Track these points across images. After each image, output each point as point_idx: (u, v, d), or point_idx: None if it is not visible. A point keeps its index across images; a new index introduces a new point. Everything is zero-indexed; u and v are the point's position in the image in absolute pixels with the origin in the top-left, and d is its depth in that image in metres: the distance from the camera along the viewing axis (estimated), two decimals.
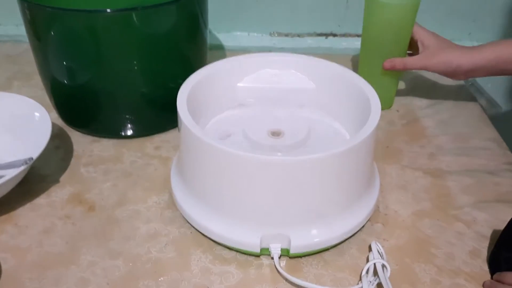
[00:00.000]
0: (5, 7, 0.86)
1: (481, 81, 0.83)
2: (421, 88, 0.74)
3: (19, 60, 0.80)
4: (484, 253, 0.47)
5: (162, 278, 0.44)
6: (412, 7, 0.60)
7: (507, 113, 0.88)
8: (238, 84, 0.55)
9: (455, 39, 0.84)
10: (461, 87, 0.75)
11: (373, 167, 0.52)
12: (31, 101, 0.56)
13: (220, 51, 0.85)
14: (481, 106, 0.80)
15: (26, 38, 0.84)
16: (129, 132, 0.61)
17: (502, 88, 0.87)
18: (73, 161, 0.58)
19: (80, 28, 0.53)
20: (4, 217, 0.50)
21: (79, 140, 0.61)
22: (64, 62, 0.56)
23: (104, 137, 0.61)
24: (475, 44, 0.83)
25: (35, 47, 0.58)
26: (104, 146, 0.60)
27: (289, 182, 0.42)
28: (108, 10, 0.51)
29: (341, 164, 0.43)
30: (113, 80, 0.57)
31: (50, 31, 0.54)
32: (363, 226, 0.49)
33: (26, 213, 0.50)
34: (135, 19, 0.53)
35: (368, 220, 0.50)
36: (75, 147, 0.60)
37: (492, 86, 0.86)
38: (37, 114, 0.54)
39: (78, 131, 0.62)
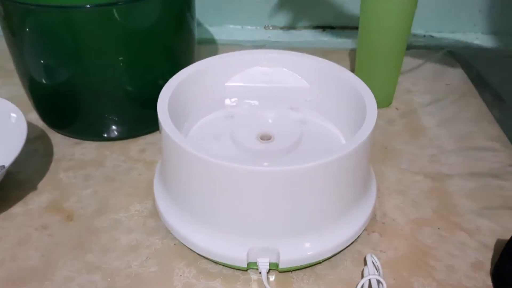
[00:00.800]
0: None
1: (486, 74, 0.80)
2: (423, 83, 0.71)
3: None
4: (488, 266, 0.44)
5: None
6: (407, 5, 0.57)
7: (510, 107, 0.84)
8: (226, 84, 0.52)
9: (460, 30, 0.81)
10: (465, 83, 0.72)
11: (369, 172, 0.49)
12: (6, 101, 0.52)
13: (212, 45, 0.82)
14: (486, 101, 0.76)
15: None
16: (113, 134, 0.58)
17: (509, 81, 0.83)
18: (52, 165, 0.55)
19: (57, 25, 0.50)
20: None
21: (59, 142, 0.58)
22: (42, 61, 0.53)
23: (87, 139, 0.58)
24: (480, 35, 0.80)
25: (11, 44, 0.55)
26: (86, 149, 0.57)
27: (277, 193, 0.39)
28: (88, 6, 0.48)
29: (333, 172, 0.40)
30: (95, 78, 0.54)
31: (25, 28, 0.51)
32: (358, 236, 0.46)
33: (0, 223, 0.48)
34: (116, 14, 0.49)
35: (364, 230, 0.46)
36: (55, 150, 0.57)
37: (498, 79, 0.82)
38: (13, 115, 0.51)
39: (59, 133, 0.59)
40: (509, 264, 0.42)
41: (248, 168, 0.38)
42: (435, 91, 0.69)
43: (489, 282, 0.42)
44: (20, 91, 0.67)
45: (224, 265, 0.43)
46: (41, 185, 0.52)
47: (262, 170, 0.38)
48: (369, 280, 0.41)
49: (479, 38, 0.80)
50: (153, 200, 0.49)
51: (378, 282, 0.40)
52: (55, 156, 0.56)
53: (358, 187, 0.45)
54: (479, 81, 0.78)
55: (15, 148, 0.48)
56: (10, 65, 0.73)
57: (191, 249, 0.44)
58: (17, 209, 0.49)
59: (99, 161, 0.55)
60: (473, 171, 0.55)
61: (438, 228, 0.47)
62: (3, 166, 0.45)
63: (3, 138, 0.50)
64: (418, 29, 0.81)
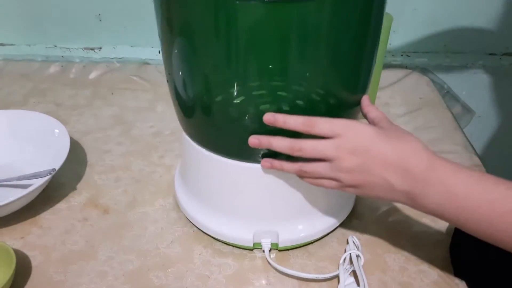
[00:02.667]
0: (19, 28, 0.93)
1: (456, 89, 0.91)
2: (399, 97, 0.82)
3: (33, 78, 0.88)
4: (445, 244, 0.54)
5: (169, 270, 0.51)
6: (383, 29, 0.68)
7: (480, 117, 0.95)
8: None
9: (432, 51, 0.93)
10: (435, 97, 0.83)
11: None
12: (51, 118, 0.63)
13: None
14: (455, 112, 0.88)
15: (38, 57, 0.93)
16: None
17: (476, 95, 0.94)
18: (87, 170, 0.65)
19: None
20: (29, 220, 0.57)
21: (91, 151, 0.69)
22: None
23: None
24: (449, 55, 0.92)
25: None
26: (114, 156, 0.68)
27: (276, 185, 0.50)
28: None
29: None
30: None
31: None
32: (342, 222, 0.56)
33: (48, 217, 0.58)
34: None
35: (347, 217, 0.57)
36: (88, 157, 0.68)
37: (467, 93, 0.94)
38: (56, 130, 0.62)
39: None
40: (462, 240, 0.52)
41: (254, 165, 0.48)
42: (409, 104, 0.80)
43: (446, 255, 0.53)
44: (53, 107, 0.78)
45: (234, 245, 0.54)
46: (80, 186, 0.63)
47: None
48: (350, 254, 0.51)
49: (449, 57, 0.92)
50: (174, 196, 0.60)
51: (357, 256, 0.51)
52: (88, 162, 0.67)
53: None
54: (450, 95, 0.90)
55: (61, 156, 0.58)
56: (43, 85, 0.85)
57: (207, 234, 0.54)
58: (61, 205, 0.60)
59: (126, 166, 0.66)
60: None
61: (407, 215, 0.58)
62: (54, 169, 0.56)
63: (49, 149, 0.61)
64: (396, 50, 0.92)
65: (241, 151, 0.48)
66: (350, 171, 0.43)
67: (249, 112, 0.48)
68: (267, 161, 0.48)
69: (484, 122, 0.96)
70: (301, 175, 0.47)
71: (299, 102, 0.49)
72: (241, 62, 0.44)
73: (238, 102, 0.47)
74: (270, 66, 0.45)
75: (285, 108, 0.49)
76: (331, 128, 0.44)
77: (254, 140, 0.46)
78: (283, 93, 0.49)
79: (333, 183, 0.45)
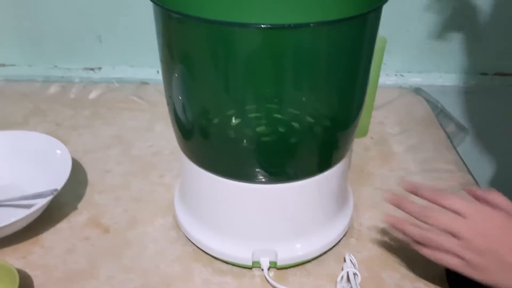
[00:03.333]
0: (19, 49, 0.95)
1: (449, 108, 0.93)
2: (394, 116, 0.84)
3: (33, 98, 0.89)
4: None
5: None
6: (377, 50, 0.70)
7: (473, 136, 0.97)
8: None
9: (425, 71, 0.95)
10: (429, 116, 0.85)
11: (347, 189, 0.61)
12: (53, 139, 0.64)
13: None
14: (449, 131, 0.89)
15: (39, 78, 0.94)
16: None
17: (469, 113, 0.96)
18: (88, 189, 0.66)
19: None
20: (31, 240, 0.58)
21: (92, 171, 0.70)
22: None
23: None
24: (443, 74, 0.94)
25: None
26: (114, 176, 0.69)
27: (274, 205, 0.51)
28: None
29: (318, 188, 0.52)
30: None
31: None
32: (339, 241, 0.57)
33: (50, 236, 0.59)
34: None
35: (344, 235, 0.58)
36: (88, 177, 0.69)
37: (460, 112, 0.96)
38: (58, 151, 0.63)
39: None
40: None
41: (251, 185, 0.50)
42: (403, 123, 0.82)
43: (441, 272, 0.54)
44: (53, 127, 0.80)
45: (233, 264, 0.54)
46: (81, 205, 0.63)
47: (263, 186, 0.50)
48: (347, 272, 0.52)
49: (442, 77, 0.94)
50: (173, 215, 0.61)
51: (354, 274, 0.52)
52: (89, 182, 0.68)
53: (338, 201, 0.57)
54: (443, 114, 0.92)
55: (62, 176, 0.59)
56: (43, 105, 0.86)
57: (206, 253, 0.55)
58: (63, 225, 0.60)
59: (126, 185, 0.67)
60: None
61: (403, 235, 0.59)
62: (56, 189, 0.57)
63: (51, 169, 0.62)
64: (390, 70, 0.94)
65: (239, 172, 0.50)
66: (481, 253, 0.44)
67: (246, 134, 0.50)
68: (390, 216, 0.51)
69: (478, 140, 0.98)
70: (420, 242, 0.48)
71: (295, 124, 0.51)
72: (238, 87, 0.45)
73: (235, 125, 0.49)
74: (266, 90, 0.47)
75: (281, 130, 0.51)
76: (463, 206, 0.46)
77: (391, 197, 0.51)
78: (279, 116, 0.50)
79: (455, 260, 0.46)
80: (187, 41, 0.44)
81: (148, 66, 0.94)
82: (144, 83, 0.94)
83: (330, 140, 0.52)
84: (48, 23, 0.92)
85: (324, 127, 0.51)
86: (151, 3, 0.44)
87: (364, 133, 0.79)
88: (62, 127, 0.80)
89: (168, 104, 0.52)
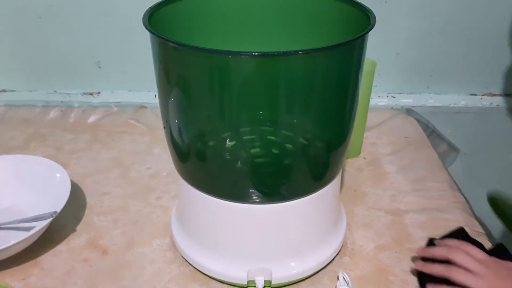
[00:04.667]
0: (20, 75, 0.97)
1: (440, 128, 0.95)
2: (386, 137, 0.86)
3: (34, 123, 0.91)
4: None
5: None
6: (367, 74, 0.72)
7: (465, 155, 0.99)
8: None
9: (416, 92, 0.97)
10: (420, 136, 0.87)
11: (340, 209, 0.62)
12: (53, 163, 0.66)
13: None
14: (441, 151, 0.91)
15: (39, 103, 0.96)
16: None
17: (460, 133, 0.98)
18: (87, 212, 0.68)
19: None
20: (31, 262, 0.59)
21: (91, 193, 0.71)
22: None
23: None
24: (433, 95, 0.97)
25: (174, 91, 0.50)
26: (112, 198, 0.70)
27: (268, 225, 0.53)
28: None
29: (310, 208, 0.54)
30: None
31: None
32: (333, 259, 0.59)
33: (49, 258, 0.60)
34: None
35: (337, 254, 0.59)
36: (88, 199, 0.70)
37: (451, 132, 0.98)
38: (58, 174, 0.64)
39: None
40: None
41: (245, 206, 0.51)
42: (395, 143, 0.84)
43: None
44: (53, 151, 0.81)
45: (229, 283, 0.56)
46: (80, 227, 0.65)
47: (257, 206, 0.51)
48: None
49: (432, 98, 0.96)
50: (171, 236, 0.62)
51: None
52: (88, 204, 0.69)
53: (330, 221, 0.58)
54: (435, 134, 0.94)
55: (62, 199, 0.61)
56: (44, 129, 0.88)
57: (203, 273, 0.56)
58: (62, 247, 0.62)
59: (124, 207, 0.68)
60: (424, 207, 0.68)
61: (395, 252, 0.61)
62: (56, 212, 0.58)
63: (50, 192, 0.64)
64: (382, 91, 0.97)
65: (234, 193, 0.51)
66: None
67: (241, 156, 0.52)
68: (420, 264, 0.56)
69: (469, 160, 1.00)
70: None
71: (288, 145, 0.53)
72: (233, 111, 0.47)
73: (230, 147, 0.51)
74: (259, 114, 0.49)
75: (275, 151, 0.53)
76: (476, 266, 0.51)
77: (417, 263, 0.56)
78: (272, 138, 0.53)
79: None
80: (183, 68, 0.46)
81: (145, 90, 0.97)
82: (142, 106, 0.96)
83: (322, 161, 0.54)
84: (48, 50, 0.94)
85: (316, 148, 0.53)
86: (147, 32, 0.47)
87: (357, 154, 0.81)
88: (62, 151, 0.82)
89: (164, 127, 0.54)
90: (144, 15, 0.49)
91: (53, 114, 0.94)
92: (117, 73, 0.96)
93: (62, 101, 0.98)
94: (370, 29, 0.45)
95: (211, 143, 0.52)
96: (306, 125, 0.52)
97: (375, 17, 0.48)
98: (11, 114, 0.94)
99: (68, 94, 0.98)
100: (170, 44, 0.44)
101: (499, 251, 0.56)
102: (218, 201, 0.52)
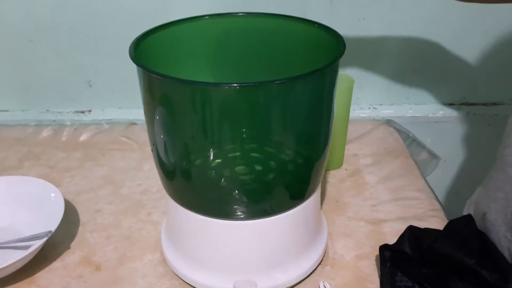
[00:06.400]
0: (13, 95, 1.00)
1: (421, 137, 0.99)
2: (367, 148, 0.90)
3: (27, 142, 0.94)
4: None
5: None
6: (346, 90, 0.76)
7: (445, 162, 1.03)
8: None
9: (396, 103, 1.01)
10: (400, 146, 0.91)
11: (321, 220, 0.66)
12: (47, 183, 0.69)
13: None
14: (422, 159, 0.95)
15: (32, 122, 0.99)
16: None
17: (440, 142, 1.02)
18: (80, 229, 0.71)
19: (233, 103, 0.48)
20: (27, 280, 0.62)
21: (84, 211, 0.74)
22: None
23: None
24: (412, 106, 1.01)
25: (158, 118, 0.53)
26: (105, 215, 0.73)
27: (253, 239, 0.56)
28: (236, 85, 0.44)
29: (293, 221, 0.57)
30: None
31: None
32: (315, 269, 0.62)
33: (45, 276, 0.63)
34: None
35: (319, 264, 0.63)
36: (80, 217, 0.73)
37: (431, 140, 1.02)
38: (52, 194, 0.67)
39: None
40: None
41: (229, 222, 0.54)
42: (376, 154, 0.88)
43: None
44: (46, 170, 0.84)
45: None
46: (73, 245, 0.68)
47: (240, 223, 0.55)
48: None
49: (412, 108, 1.00)
50: (161, 251, 0.65)
51: None
52: (81, 222, 0.72)
53: (312, 232, 0.62)
54: (415, 143, 0.98)
55: (56, 218, 0.64)
56: (36, 149, 0.90)
57: (192, 286, 0.60)
58: (57, 264, 0.64)
59: (116, 224, 0.71)
60: (402, 216, 0.72)
61: (374, 260, 0.64)
62: (51, 231, 0.61)
63: (45, 212, 0.67)
64: (363, 103, 1.01)
65: (219, 210, 0.55)
66: None
67: (225, 174, 0.55)
68: None
69: (449, 167, 1.04)
70: None
71: (271, 162, 0.56)
72: (215, 135, 0.51)
73: (214, 167, 0.54)
74: (241, 135, 0.52)
75: (258, 168, 0.56)
76: None
77: None
78: (256, 155, 0.56)
79: None
80: (167, 96, 0.50)
81: (136, 108, 1.00)
82: (132, 123, 0.99)
83: (302, 176, 0.58)
84: (40, 71, 0.97)
85: (296, 164, 0.57)
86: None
87: (339, 165, 0.84)
88: (55, 169, 0.85)
89: (152, 150, 0.57)
90: (130, 46, 0.53)
91: (45, 133, 0.96)
92: (108, 91, 0.99)
93: (54, 120, 1.01)
94: (340, 57, 0.49)
95: (196, 163, 0.55)
96: (286, 144, 0.55)
97: (344, 44, 0.52)
98: (4, 134, 0.97)
99: (60, 112, 1.01)
100: (154, 75, 0.47)
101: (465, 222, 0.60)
102: (203, 218, 0.55)
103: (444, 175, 1.05)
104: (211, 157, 0.54)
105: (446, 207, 0.76)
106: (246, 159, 0.56)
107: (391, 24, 0.91)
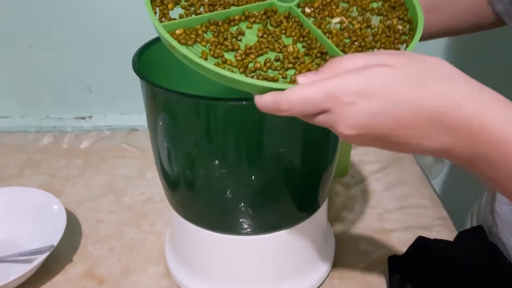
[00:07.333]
0: (12, 101, 0.99)
1: None
2: (372, 154, 0.88)
3: (27, 149, 0.92)
4: None
5: None
6: None
7: (451, 166, 1.02)
8: None
9: None
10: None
11: (328, 232, 0.65)
12: (51, 195, 0.68)
13: None
14: (427, 163, 0.94)
15: (32, 128, 0.98)
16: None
17: None
18: (82, 241, 0.69)
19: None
20: None
21: (85, 221, 0.73)
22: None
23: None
24: None
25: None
26: (107, 225, 0.72)
27: (259, 254, 0.55)
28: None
29: (300, 236, 0.56)
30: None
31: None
32: (323, 282, 0.61)
33: None
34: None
35: (327, 276, 0.62)
36: (82, 228, 0.72)
37: None
38: (55, 206, 0.66)
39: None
40: None
41: (234, 237, 0.53)
42: (381, 160, 0.86)
43: None
44: (47, 179, 0.83)
45: None
46: (76, 257, 0.66)
47: (245, 238, 0.53)
48: None
49: None
50: (165, 263, 0.64)
51: None
52: (83, 233, 0.71)
53: (320, 244, 0.60)
54: None
55: (58, 231, 0.63)
56: (37, 156, 0.89)
57: None
58: (59, 278, 0.63)
59: (119, 235, 0.70)
60: (410, 225, 0.71)
61: (383, 272, 0.63)
62: (53, 246, 0.60)
63: (47, 224, 0.65)
64: None
65: (225, 225, 0.54)
66: None
67: (230, 187, 0.54)
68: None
69: (455, 170, 1.03)
70: None
71: (278, 174, 0.54)
72: (220, 147, 0.49)
73: (219, 179, 0.53)
74: (246, 148, 0.50)
75: (263, 180, 0.55)
76: None
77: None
78: (261, 166, 0.54)
79: None
80: (169, 108, 0.49)
81: (137, 113, 0.98)
82: (134, 129, 0.98)
83: (311, 187, 0.56)
84: (39, 76, 0.96)
85: (304, 175, 0.55)
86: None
87: (345, 172, 0.83)
88: (56, 178, 0.84)
89: (156, 163, 0.56)
90: (133, 57, 0.51)
91: (46, 140, 0.95)
92: (108, 96, 0.98)
93: (55, 126, 0.99)
94: None
95: (201, 175, 0.54)
96: (293, 155, 0.54)
97: None
98: (4, 140, 0.95)
99: (61, 118, 1.00)
100: (157, 89, 0.46)
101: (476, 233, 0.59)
102: (209, 233, 0.54)
103: (449, 179, 1.04)
104: (216, 170, 0.53)
105: (451, 211, 0.75)
106: (251, 171, 0.54)
107: None
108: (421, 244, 0.60)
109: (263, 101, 0.35)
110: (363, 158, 0.88)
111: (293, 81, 0.36)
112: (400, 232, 0.69)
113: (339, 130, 0.33)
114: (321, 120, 0.33)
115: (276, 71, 0.38)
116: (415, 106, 0.31)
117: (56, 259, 0.66)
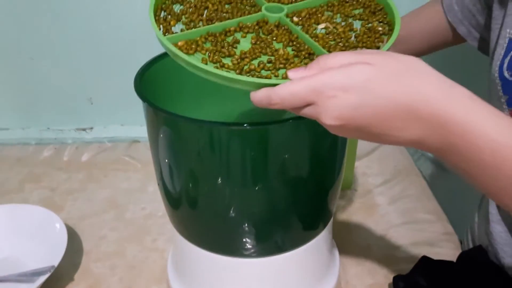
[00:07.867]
0: (13, 113, 0.98)
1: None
2: (376, 166, 0.88)
3: (28, 163, 0.91)
4: None
5: None
6: None
7: (454, 176, 1.01)
8: None
9: None
10: (409, 164, 0.88)
11: (333, 250, 0.64)
12: (52, 213, 0.67)
13: None
14: (431, 172, 0.93)
15: (32, 141, 0.97)
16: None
17: None
18: (84, 258, 0.69)
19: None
20: None
21: (86, 239, 0.72)
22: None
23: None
24: None
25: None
26: (109, 242, 0.71)
27: (263, 277, 0.54)
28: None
29: (305, 257, 0.55)
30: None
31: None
32: None
33: None
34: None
35: None
36: (84, 245, 0.71)
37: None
38: (57, 225, 0.65)
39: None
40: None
41: (238, 260, 0.53)
42: (385, 173, 0.85)
43: None
44: (48, 193, 0.82)
45: None
46: (77, 276, 0.66)
47: (249, 260, 0.53)
48: None
49: None
50: (167, 283, 0.63)
51: None
52: (85, 250, 0.70)
53: (325, 265, 0.60)
54: (424, 158, 0.96)
55: (60, 250, 0.62)
56: (37, 169, 0.88)
57: None
58: None
59: (120, 252, 0.70)
60: (415, 241, 0.70)
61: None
62: (53, 266, 0.59)
63: (48, 242, 0.65)
64: None
65: (226, 247, 0.53)
66: None
67: (233, 209, 0.53)
68: None
69: (458, 179, 1.02)
70: None
71: (282, 194, 0.53)
72: (224, 170, 0.49)
73: (222, 201, 0.52)
74: (250, 171, 0.50)
75: (267, 200, 0.54)
76: None
77: None
78: (266, 187, 0.54)
79: None
80: (173, 132, 0.48)
81: (138, 125, 0.98)
82: (135, 141, 0.97)
83: (314, 208, 0.55)
84: (40, 88, 0.95)
85: (310, 195, 0.54)
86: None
87: (348, 186, 0.82)
88: (57, 192, 0.83)
89: (158, 184, 0.55)
90: (135, 77, 0.51)
91: (46, 152, 0.94)
92: (109, 108, 0.97)
93: (55, 138, 0.98)
94: None
95: (203, 197, 0.53)
96: (298, 176, 0.53)
97: None
98: (4, 153, 0.94)
99: (61, 130, 0.99)
100: (160, 112, 0.45)
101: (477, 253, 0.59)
102: (211, 255, 0.53)
103: (453, 188, 1.03)
104: (218, 193, 0.52)
105: (454, 220, 0.75)
106: (254, 192, 0.53)
107: None
108: (425, 263, 0.60)
109: (257, 96, 0.38)
110: (366, 170, 0.87)
111: (285, 78, 0.39)
112: (405, 248, 0.69)
113: (323, 121, 0.36)
114: (307, 112, 0.37)
115: (269, 71, 0.41)
116: (391, 100, 0.35)
117: (58, 277, 0.65)
